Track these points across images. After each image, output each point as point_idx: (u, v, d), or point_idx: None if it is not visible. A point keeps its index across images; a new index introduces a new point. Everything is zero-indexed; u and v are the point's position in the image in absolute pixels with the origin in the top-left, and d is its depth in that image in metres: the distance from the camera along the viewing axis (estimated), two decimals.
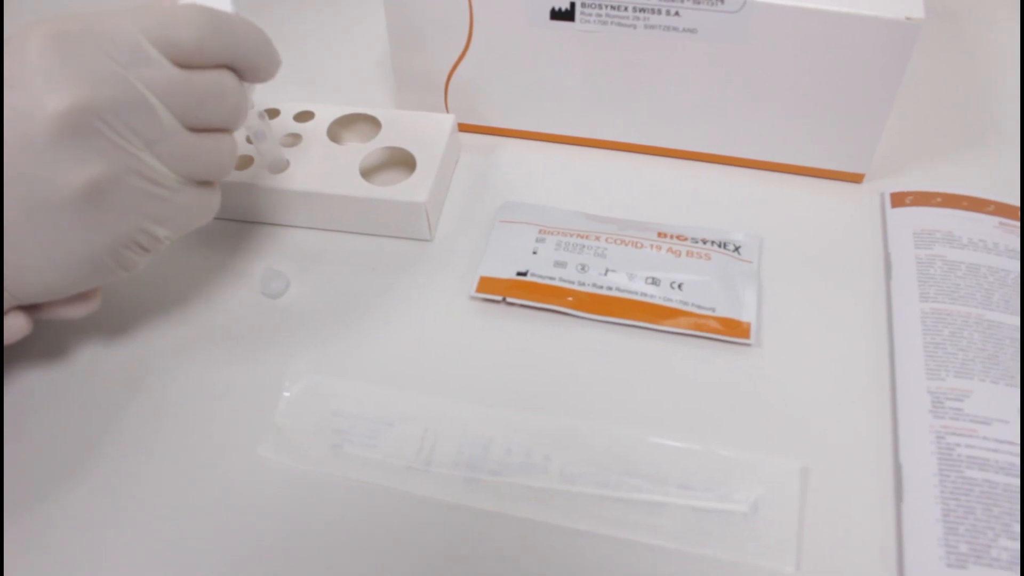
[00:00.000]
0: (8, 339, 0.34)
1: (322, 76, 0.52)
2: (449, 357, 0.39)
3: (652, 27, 0.41)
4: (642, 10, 0.40)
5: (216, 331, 0.40)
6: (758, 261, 0.41)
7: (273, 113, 0.46)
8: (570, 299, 0.40)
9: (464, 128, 0.48)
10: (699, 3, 0.39)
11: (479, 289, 0.41)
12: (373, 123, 0.45)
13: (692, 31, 0.40)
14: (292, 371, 0.38)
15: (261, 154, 0.42)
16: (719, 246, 0.41)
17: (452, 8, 0.43)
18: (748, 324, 0.38)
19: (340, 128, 0.46)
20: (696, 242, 0.41)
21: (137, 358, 0.39)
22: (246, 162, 0.43)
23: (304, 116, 0.46)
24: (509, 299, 0.40)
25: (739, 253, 0.41)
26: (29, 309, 0.34)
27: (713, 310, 0.39)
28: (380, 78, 0.52)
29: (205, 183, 0.35)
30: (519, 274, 0.41)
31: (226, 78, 0.33)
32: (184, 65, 0.32)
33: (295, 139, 0.45)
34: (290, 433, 0.36)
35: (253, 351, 0.39)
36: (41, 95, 0.29)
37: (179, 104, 0.31)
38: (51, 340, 0.40)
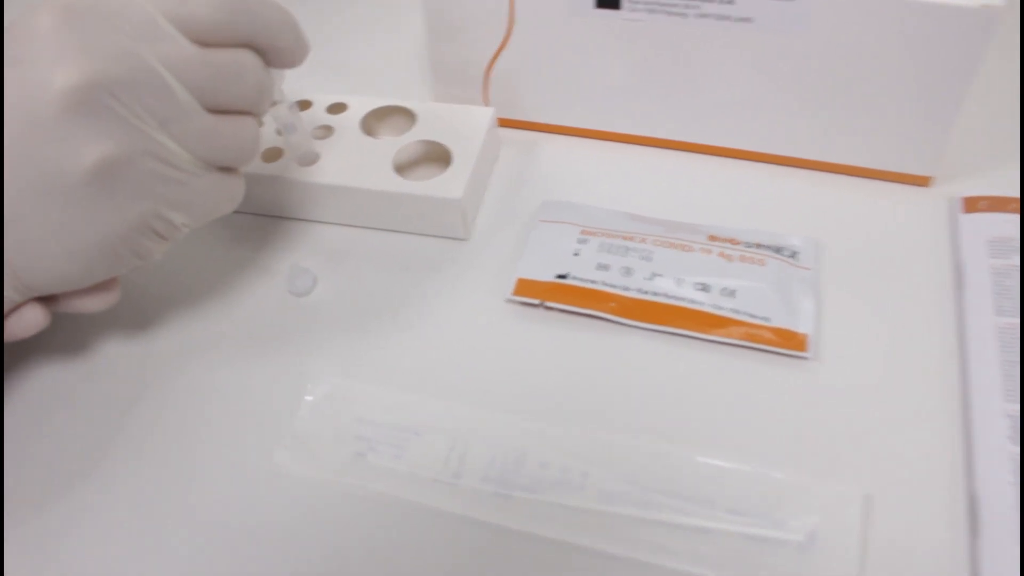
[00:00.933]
0: (25, 333, 0.33)
1: (357, 68, 0.51)
2: (482, 363, 0.36)
3: (704, 16, 0.38)
4: None
5: (239, 329, 0.38)
6: (816, 268, 0.38)
7: (305, 104, 0.44)
8: (613, 304, 0.37)
9: (504, 123, 0.46)
10: None
11: (516, 292, 0.38)
12: (408, 116, 0.43)
13: (747, 20, 0.38)
14: (315, 374, 0.36)
15: (291, 146, 0.40)
16: (774, 251, 0.38)
17: None
18: (805, 336, 0.36)
19: (374, 121, 0.44)
20: (750, 246, 0.39)
21: (156, 354, 0.38)
22: (275, 154, 0.42)
23: (337, 108, 0.44)
24: (547, 303, 0.38)
25: (796, 259, 0.38)
26: (46, 301, 0.33)
27: (767, 320, 0.36)
28: (417, 70, 0.50)
29: (227, 169, 0.33)
30: (559, 277, 0.38)
31: (246, 57, 0.31)
32: (202, 43, 0.30)
33: (327, 131, 0.43)
34: (310, 440, 0.34)
35: (276, 351, 0.37)
36: (50, 70, 0.28)
37: (196, 82, 0.30)
38: (69, 333, 0.38)
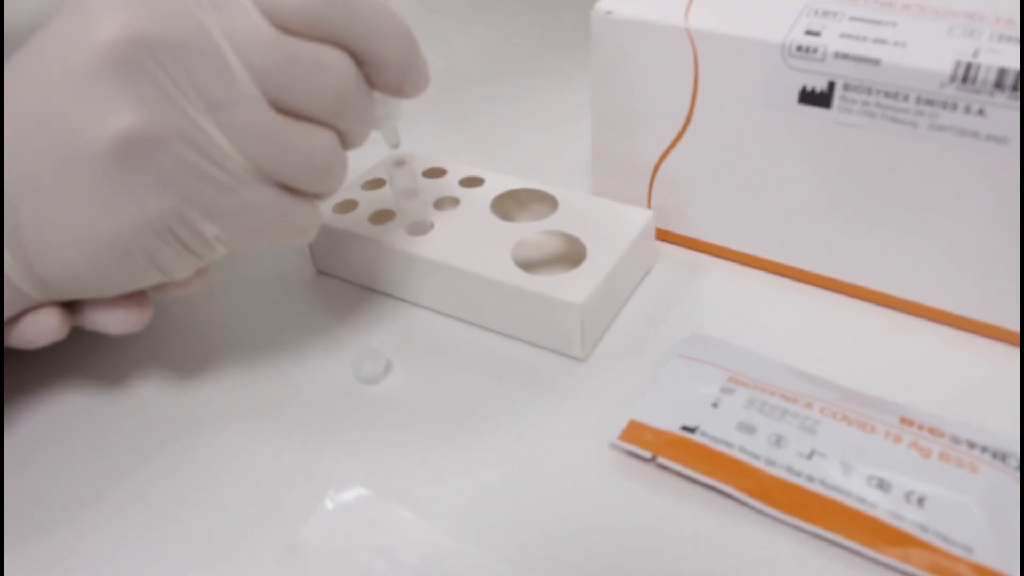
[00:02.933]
0: (38, 338, 0.28)
1: (516, 150, 0.45)
2: (557, 519, 0.27)
3: (940, 128, 0.29)
4: (930, 102, 0.29)
5: (287, 403, 0.32)
6: None
7: (438, 172, 0.38)
8: (750, 481, 0.27)
9: (665, 236, 0.38)
10: (1018, 98, 0.27)
11: (624, 436, 0.29)
12: (550, 204, 0.36)
13: (1000, 140, 0.28)
14: (347, 477, 0.28)
15: (404, 213, 0.35)
16: (994, 456, 0.27)
17: (672, 77, 0.34)
18: None
19: (513, 205, 0.38)
20: (958, 442, 0.28)
21: (192, 408, 0.32)
22: (384, 217, 0.36)
23: (472, 181, 0.38)
24: (662, 459, 0.28)
25: None
26: (69, 312, 0.29)
27: (968, 550, 0.25)
28: (580, 162, 0.43)
29: (296, 192, 0.27)
30: (685, 429, 0.29)
31: (332, 54, 0.26)
32: (283, 28, 0.25)
33: (453, 203, 0.36)
34: (310, 560, 0.26)
35: (317, 438, 0.30)
36: (94, 21, 0.24)
37: (263, 68, 0.25)
38: (110, 364, 0.34)
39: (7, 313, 0.27)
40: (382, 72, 0.27)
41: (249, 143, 0.25)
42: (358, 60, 0.26)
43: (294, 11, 0.25)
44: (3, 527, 0.28)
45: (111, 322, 0.29)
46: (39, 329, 0.28)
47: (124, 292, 0.28)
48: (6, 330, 0.28)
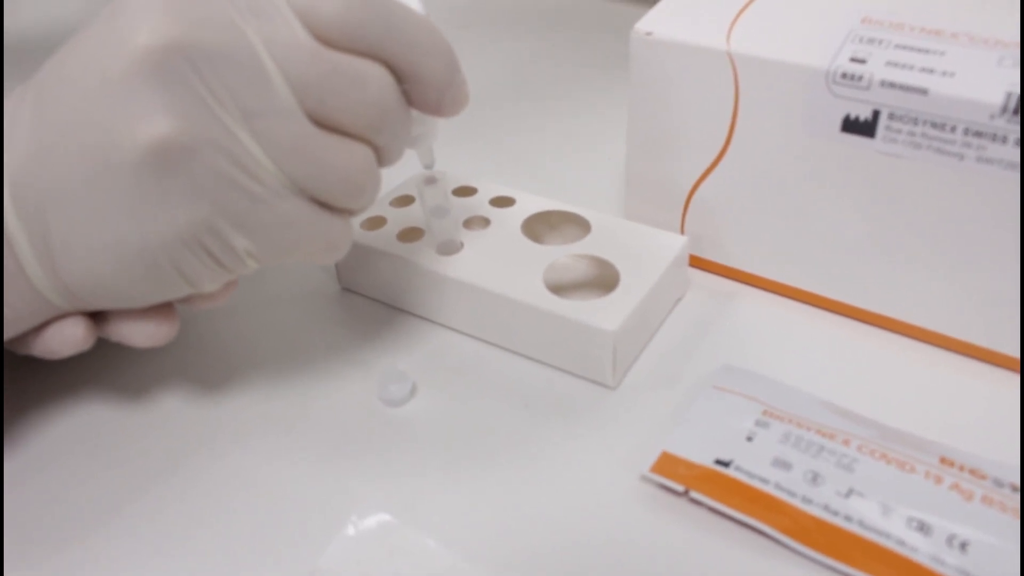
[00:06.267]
0: (62, 348, 0.28)
1: (547, 171, 0.45)
2: (586, 551, 0.27)
3: (988, 161, 0.28)
4: (978, 134, 0.28)
5: (310, 422, 0.31)
6: None
7: (469, 191, 0.38)
8: (786, 519, 0.26)
9: (698, 263, 0.38)
10: None
11: (655, 468, 0.29)
12: (582, 227, 0.36)
13: None
14: (370, 501, 0.28)
15: (434, 232, 0.34)
16: None
17: (711, 101, 0.33)
18: None
19: (543, 227, 0.37)
20: (1001, 486, 0.27)
21: (214, 423, 0.32)
22: (413, 235, 0.35)
23: (502, 201, 0.37)
24: (694, 493, 0.28)
25: None
26: (95, 322, 0.28)
27: None
28: (613, 186, 0.43)
29: (329, 207, 0.27)
30: (719, 463, 0.28)
31: (371, 67, 0.25)
32: (324, 40, 0.25)
33: (483, 223, 0.36)
34: None
35: (340, 459, 0.30)
36: (131, 26, 0.23)
37: (301, 78, 0.24)
38: (133, 377, 0.33)
39: (33, 322, 0.27)
40: (421, 89, 0.27)
41: (284, 155, 0.25)
42: (397, 76, 0.26)
43: (335, 23, 0.24)
44: (2, 540, 0.28)
45: (137, 334, 0.28)
46: (64, 339, 0.28)
47: (151, 303, 0.27)
48: (31, 339, 0.28)
